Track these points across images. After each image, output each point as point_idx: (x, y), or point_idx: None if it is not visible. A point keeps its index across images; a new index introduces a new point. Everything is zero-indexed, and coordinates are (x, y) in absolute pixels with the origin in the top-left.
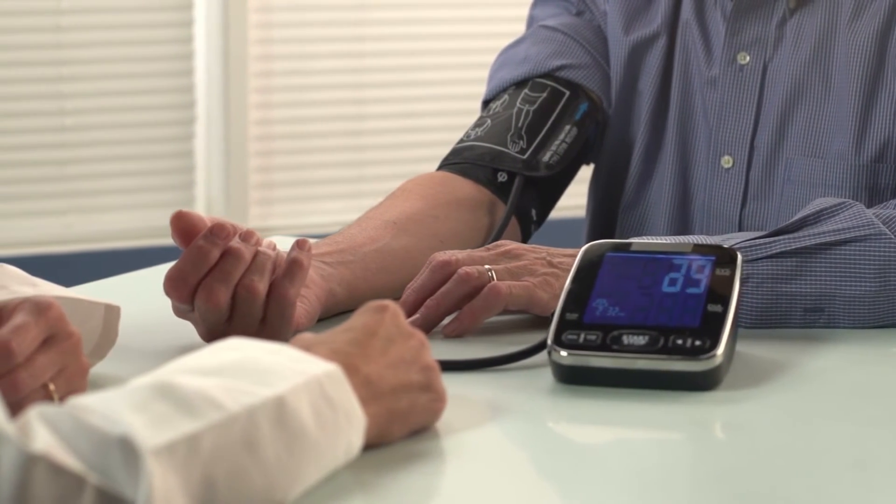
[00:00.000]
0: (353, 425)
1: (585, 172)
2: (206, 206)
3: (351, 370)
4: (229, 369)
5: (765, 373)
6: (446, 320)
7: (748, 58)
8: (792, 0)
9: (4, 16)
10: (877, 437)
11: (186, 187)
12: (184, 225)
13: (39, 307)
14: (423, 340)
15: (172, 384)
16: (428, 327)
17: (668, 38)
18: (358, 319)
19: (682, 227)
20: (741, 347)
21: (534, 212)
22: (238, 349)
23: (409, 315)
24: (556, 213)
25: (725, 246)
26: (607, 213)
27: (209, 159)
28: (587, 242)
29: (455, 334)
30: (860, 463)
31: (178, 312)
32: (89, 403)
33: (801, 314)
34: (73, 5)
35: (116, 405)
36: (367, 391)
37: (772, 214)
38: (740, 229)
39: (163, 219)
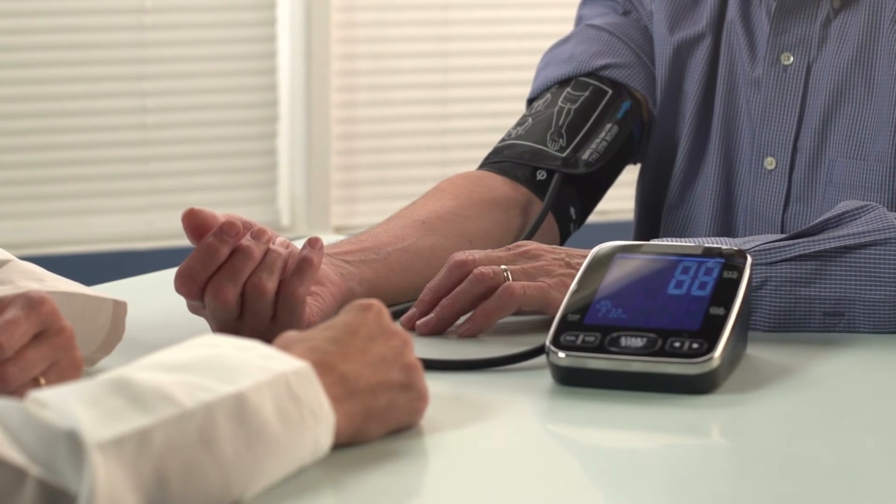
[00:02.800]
0: (320, 423)
1: (633, 174)
2: (289, 205)
3: (326, 368)
4: (195, 366)
5: (769, 377)
6: (461, 320)
7: (792, 58)
8: (836, 0)
9: (88, 15)
10: (870, 443)
11: (269, 185)
12: (195, 222)
13: (31, 302)
14: (406, 339)
15: (128, 379)
16: (442, 327)
17: (713, 39)
18: (340, 318)
19: (726, 228)
20: (754, 351)
21: (573, 210)
22: (210, 346)
23: (424, 314)
24: (606, 216)
25: (746, 248)
26: (653, 213)
27: (292, 158)
28: None
29: (469, 334)
30: (851, 469)
31: (192, 309)
32: (45, 397)
33: (820, 318)
34: (156, 4)
35: (70, 399)
36: (343, 389)
37: (814, 216)
38: (783, 231)
39: (245, 216)
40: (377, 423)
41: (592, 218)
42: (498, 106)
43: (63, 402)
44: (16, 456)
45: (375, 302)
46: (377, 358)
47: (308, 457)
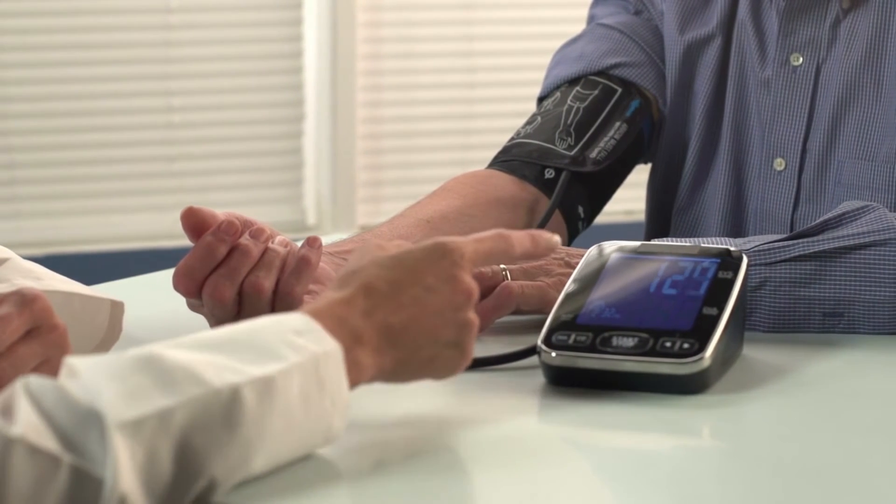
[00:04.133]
0: (336, 410)
1: (645, 175)
2: (314, 204)
3: (373, 317)
4: (229, 343)
5: (763, 377)
6: None
7: (801, 59)
8: (845, 0)
9: (115, 14)
10: (856, 444)
11: (294, 184)
12: (195, 221)
13: (24, 299)
14: (469, 294)
15: (158, 356)
16: None
17: (723, 39)
18: (414, 254)
19: (736, 229)
20: (750, 351)
21: (581, 209)
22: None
23: None
24: (632, 216)
25: (746, 248)
26: (663, 214)
27: (318, 157)
28: None
29: None
30: (837, 470)
31: (192, 306)
32: (78, 366)
33: (819, 319)
34: (182, 4)
35: (100, 373)
36: (385, 340)
37: None
38: (792, 231)
39: (271, 215)
40: (412, 373)
41: (617, 218)
42: (523, 106)
43: (93, 376)
44: (50, 444)
45: (456, 248)
46: (433, 311)
47: (321, 442)
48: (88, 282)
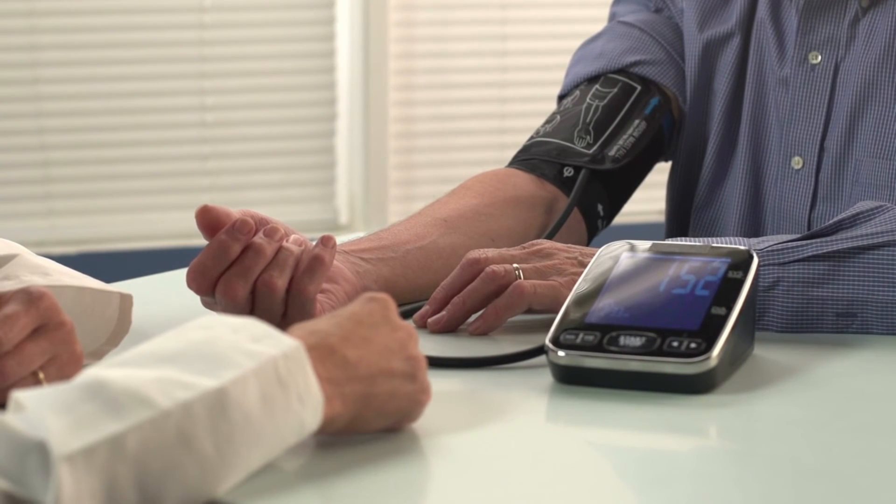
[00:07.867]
0: (306, 406)
1: (664, 175)
2: (347, 203)
3: (327, 350)
4: (181, 356)
5: (771, 377)
6: (473, 317)
7: (820, 57)
8: None
9: (148, 13)
10: (858, 445)
11: (327, 183)
12: (209, 219)
13: (31, 296)
14: (411, 332)
15: (103, 382)
16: (453, 324)
17: (742, 37)
18: (346, 308)
19: (754, 228)
20: (762, 351)
21: (600, 207)
22: (204, 328)
23: (437, 311)
24: (654, 217)
25: (760, 248)
26: (683, 213)
27: (350, 156)
28: None
29: (479, 332)
30: (834, 471)
31: (206, 304)
32: (24, 400)
33: (833, 319)
34: (216, 3)
35: (44, 406)
36: (343, 372)
37: None
38: (809, 230)
39: (303, 214)
40: (376, 412)
41: (651, 217)
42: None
43: (37, 409)
44: None
45: (383, 294)
46: (381, 346)
47: (292, 440)
48: (122, 280)
